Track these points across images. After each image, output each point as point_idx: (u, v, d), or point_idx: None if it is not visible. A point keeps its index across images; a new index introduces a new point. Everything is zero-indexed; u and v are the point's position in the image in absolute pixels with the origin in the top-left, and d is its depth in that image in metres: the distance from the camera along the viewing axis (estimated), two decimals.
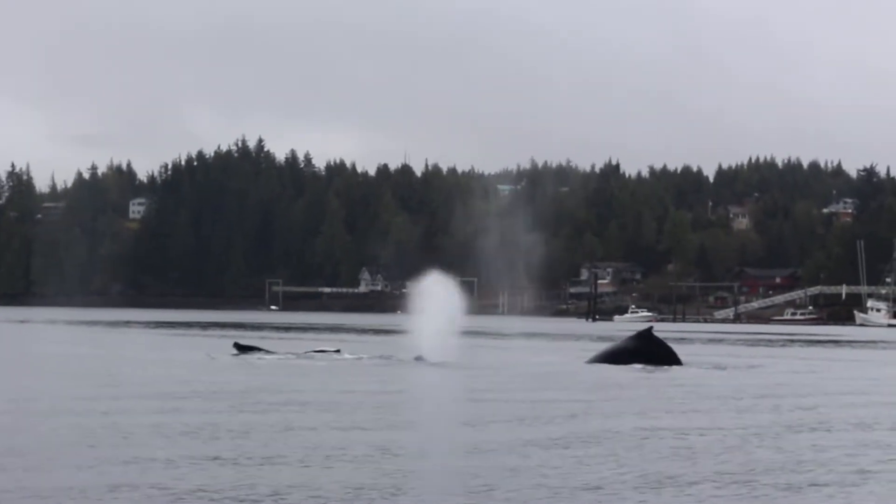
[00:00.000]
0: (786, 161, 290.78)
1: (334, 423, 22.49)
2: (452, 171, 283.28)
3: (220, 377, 35.28)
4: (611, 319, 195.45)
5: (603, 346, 50.47)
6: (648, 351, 43.57)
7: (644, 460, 17.89)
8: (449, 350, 44.86)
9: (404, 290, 52.01)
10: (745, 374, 41.31)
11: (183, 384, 31.83)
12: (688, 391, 32.28)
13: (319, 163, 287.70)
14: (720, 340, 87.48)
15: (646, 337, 44.73)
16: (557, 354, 54.99)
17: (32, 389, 30.17)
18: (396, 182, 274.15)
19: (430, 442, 20.90)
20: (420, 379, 37.52)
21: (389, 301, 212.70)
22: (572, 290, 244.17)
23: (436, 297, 46.55)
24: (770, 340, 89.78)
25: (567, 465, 17.27)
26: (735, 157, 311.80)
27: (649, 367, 41.79)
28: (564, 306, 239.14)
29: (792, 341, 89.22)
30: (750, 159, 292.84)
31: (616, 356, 44.20)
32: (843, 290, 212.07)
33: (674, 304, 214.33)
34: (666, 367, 42.19)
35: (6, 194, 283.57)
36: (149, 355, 49.10)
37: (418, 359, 43.93)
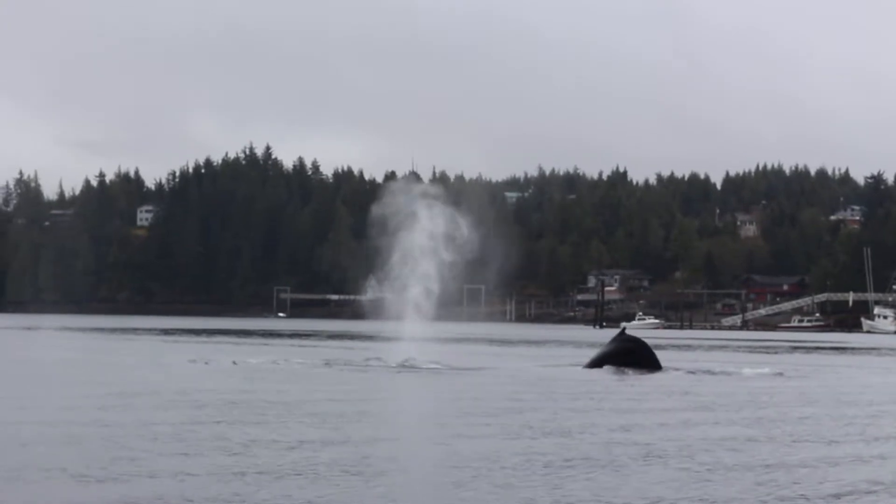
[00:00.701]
0: (793, 168, 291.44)
1: (313, 429, 22.48)
2: (460, 178, 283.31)
3: (209, 384, 35.29)
4: (618, 326, 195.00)
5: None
6: (628, 352, 43.61)
7: (609, 466, 17.88)
8: (439, 355, 44.81)
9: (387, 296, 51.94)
10: (727, 380, 41.13)
11: (179, 391, 31.85)
12: (655, 395, 32.40)
13: (327, 170, 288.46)
14: (723, 347, 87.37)
15: (623, 339, 44.85)
16: (552, 360, 54.85)
17: (20, 396, 30.19)
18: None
19: (399, 447, 20.89)
20: (400, 384, 37.47)
21: (394, 308, 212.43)
22: (580, 297, 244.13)
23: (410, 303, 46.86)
24: (774, 347, 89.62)
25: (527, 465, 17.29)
26: (742, 164, 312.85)
27: (625, 371, 41.89)
28: (572, 313, 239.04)
29: (796, 348, 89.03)
30: (757, 167, 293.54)
31: (600, 360, 44.15)
32: (851, 297, 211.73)
33: (681, 312, 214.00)
34: (643, 370, 42.21)
35: (14, 201, 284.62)
36: (150, 361, 49.03)
37: (406, 364, 43.69)
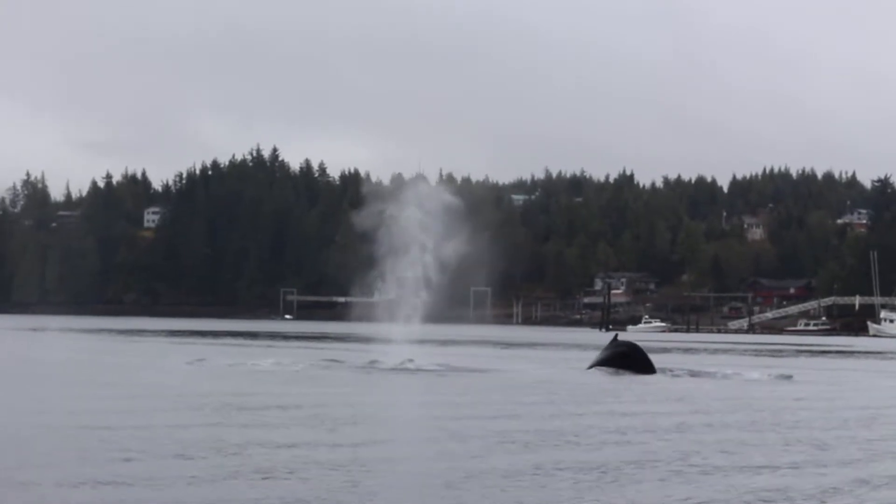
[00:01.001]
0: (800, 171, 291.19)
1: (307, 430, 22.59)
2: (467, 180, 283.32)
3: (198, 385, 35.44)
4: (624, 329, 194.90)
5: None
6: (623, 356, 44.51)
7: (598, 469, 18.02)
8: (442, 356, 44.92)
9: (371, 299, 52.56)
10: (721, 383, 41.33)
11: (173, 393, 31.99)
12: (648, 397, 32.96)
13: (334, 172, 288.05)
14: (727, 351, 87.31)
15: (617, 345, 46.05)
16: (552, 363, 54.93)
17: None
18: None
19: (390, 448, 20.97)
20: (398, 386, 37.60)
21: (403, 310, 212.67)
22: (586, 300, 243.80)
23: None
24: (778, 351, 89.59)
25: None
26: (749, 167, 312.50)
27: (620, 373, 42.65)
28: (578, 316, 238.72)
29: (800, 352, 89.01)
30: (764, 170, 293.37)
31: (598, 364, 45.04)
32: (857, 300, 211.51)
33: (687, 315, 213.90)
34: (638, 373, 42.84)
35: (21, 202, 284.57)
36: (149, 363, 49.19)
37: (404, 366, 43.82)
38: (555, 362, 56.44)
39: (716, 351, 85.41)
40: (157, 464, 17.26)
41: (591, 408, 29.15)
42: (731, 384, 40.46)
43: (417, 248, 48.76)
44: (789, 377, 45.13)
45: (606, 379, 40.95)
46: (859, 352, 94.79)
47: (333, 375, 40.85)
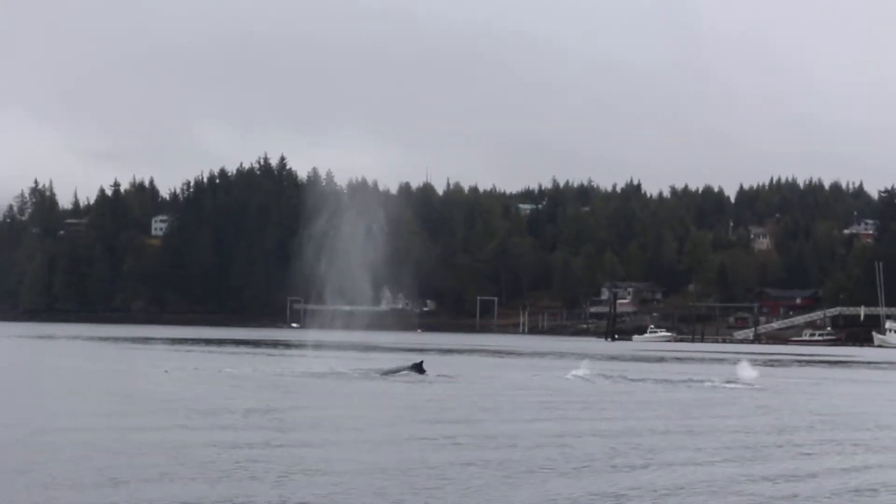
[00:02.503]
0: (807, 182, 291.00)
1: (266, 433, 23.08)
2: (474, 189, 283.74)
3: (196, 392, 36.01)
4: (630, 339, 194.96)
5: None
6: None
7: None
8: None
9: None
10: (629, 387, 43.20)
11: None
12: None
13: (341, 180, 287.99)
14: (720, 360, 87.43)
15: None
16: (546, 371, 55.53)
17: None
18: (418, 200, 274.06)
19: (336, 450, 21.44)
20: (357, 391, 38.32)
21: (410, 319, 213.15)
22: (592, 309, 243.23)
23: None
24: (776, 361, 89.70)
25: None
26: (756, 177, 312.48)
27: None
28: (585, 326, 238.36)
29: (797, 361, 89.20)
30: (771, 180, 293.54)
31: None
32: (862, 311, 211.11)
33: (693, 325, 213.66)
34: None
35: (29, 210, 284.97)
36: (141, 371, 49.78)
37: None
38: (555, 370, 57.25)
39: (711, 360, 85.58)
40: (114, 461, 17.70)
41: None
42: (635, 388, 42.60)
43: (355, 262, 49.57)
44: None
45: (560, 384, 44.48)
46: (853, 362, 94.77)
47: (296, 382, 41.97)
